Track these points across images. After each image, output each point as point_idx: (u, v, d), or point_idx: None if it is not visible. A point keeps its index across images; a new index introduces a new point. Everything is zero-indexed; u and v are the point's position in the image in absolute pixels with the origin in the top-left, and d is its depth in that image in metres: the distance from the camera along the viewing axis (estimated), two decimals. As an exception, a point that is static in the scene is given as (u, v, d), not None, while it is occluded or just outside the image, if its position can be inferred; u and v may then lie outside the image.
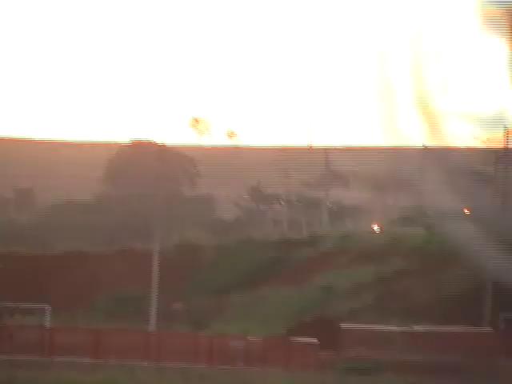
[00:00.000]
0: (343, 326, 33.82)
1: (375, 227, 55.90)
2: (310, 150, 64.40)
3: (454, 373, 29.61)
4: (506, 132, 42.40)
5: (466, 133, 42.41)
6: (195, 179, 59.49)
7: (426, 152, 36.63)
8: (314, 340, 31.77)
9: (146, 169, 45.47)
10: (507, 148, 43.11)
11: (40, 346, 33.29)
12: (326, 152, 56.62)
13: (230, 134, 75.36)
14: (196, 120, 74.12)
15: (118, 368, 28.27)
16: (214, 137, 74.87)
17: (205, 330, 35.35)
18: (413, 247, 42.66)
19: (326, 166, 56.95)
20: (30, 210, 61.05)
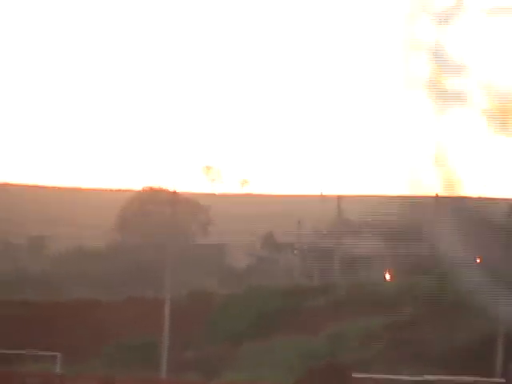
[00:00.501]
0: (354, 375, 34.00)
1: (387, 276, 55.91)
2: (322, 199, 64.91)
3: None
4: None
5: (480, 182, 42.80)
6: (207, 227, 59.74)
7: (440, 201, 36.81)
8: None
9: (158, 216, 45.96)
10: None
11: (51, 392, 34.32)
12: (339, 200, 57.17)
13: (243, 182, 76.17)
14: (208, 168, 74.96)
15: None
16: (226, 184, 75.91)
17: (216, 378, 35.72)
18: (425, 296, 43.13)
19: (339, 215, 57.34)
20: (42, 258, 61.72)
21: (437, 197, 36.68)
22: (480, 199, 43.12)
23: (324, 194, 67.31)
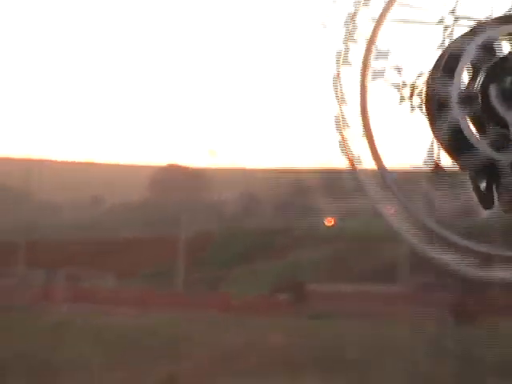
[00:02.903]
0: (307, 287, 45.00)
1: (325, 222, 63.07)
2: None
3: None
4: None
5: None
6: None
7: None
8: (285, 296, 42.86)
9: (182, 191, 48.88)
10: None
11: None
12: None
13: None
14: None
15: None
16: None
17: (215, 291, 44.96)
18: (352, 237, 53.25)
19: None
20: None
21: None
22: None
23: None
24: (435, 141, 0.75)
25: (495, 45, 0.82)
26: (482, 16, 0.86)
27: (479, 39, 0.74)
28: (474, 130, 0.76)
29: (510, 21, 0.83)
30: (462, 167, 0.77)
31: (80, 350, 8.07)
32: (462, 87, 0.78)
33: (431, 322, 7.89)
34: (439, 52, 0.84)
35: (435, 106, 0.77)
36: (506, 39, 0.90)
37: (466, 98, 0.77)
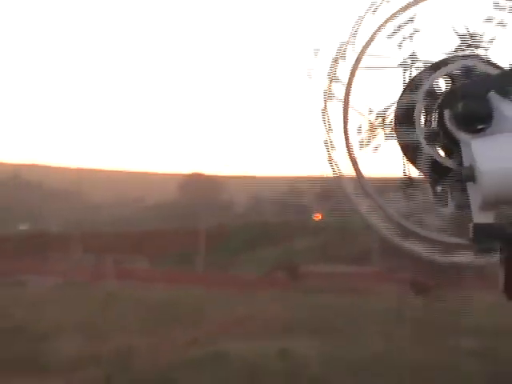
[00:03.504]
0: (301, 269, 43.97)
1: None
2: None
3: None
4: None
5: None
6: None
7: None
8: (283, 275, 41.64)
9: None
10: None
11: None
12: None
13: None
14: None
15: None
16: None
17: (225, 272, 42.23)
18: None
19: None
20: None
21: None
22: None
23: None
24: (404, 159, 0.77)
25: (438, 87, 0.83)
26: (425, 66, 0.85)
27: (427, 85, 0.76)
28: (436, 148, 0.78)
29: (462, 59, 0.84)
30: (424, 176, 0.79)
31: (122, 315, 8.13)
32: (423, 127, 0.80)
33: (397, 295, 7.96)
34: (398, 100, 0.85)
35: (401, 127, 0.79)
36: (445, 79, 0.91)
37: (431, 135, 0.78)
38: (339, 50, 0.96)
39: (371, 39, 0.93)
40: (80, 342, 5.45)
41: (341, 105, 0.96)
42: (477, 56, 0.96)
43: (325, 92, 0.96)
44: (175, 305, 9.23)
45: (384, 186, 0.97)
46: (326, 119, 0.96)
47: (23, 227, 24.04)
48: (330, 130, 0.97)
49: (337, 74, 0.98)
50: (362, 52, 0.93)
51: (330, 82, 0.94)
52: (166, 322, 7.01)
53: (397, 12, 0.94)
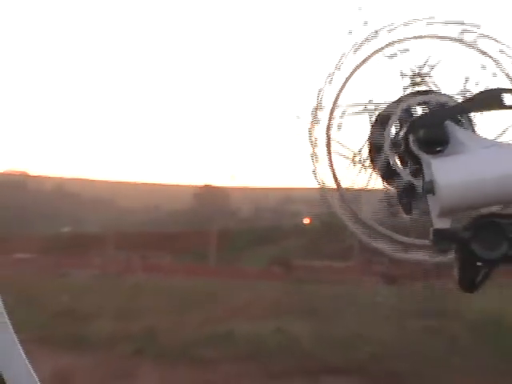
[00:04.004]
0: (295, 263, 43.19)
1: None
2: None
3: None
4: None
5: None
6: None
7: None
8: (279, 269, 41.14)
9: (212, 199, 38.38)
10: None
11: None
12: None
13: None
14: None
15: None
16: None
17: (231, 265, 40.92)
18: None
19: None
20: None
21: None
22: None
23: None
24: (375, 172, 0.77)
25: (412, 109, 0.84)
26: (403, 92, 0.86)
27: (403, 105, 0.77)
28: (399, 163, 0.78)
29: (421, 94, 0.85)
30: (392, 188, 0.79)
31: (149, 300, 8.04)
32: (392, 136, 0.80)
33: (371, 284, 7.92)
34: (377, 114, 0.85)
35: (374, 150, 0.79)
36: (419, 106, 0.92)
37: (395, 143, 0.79)
38: (327, 79, 0.93)
39: (344, 84, 0.93)
40: (115, 323, 5.42)
41: (324, 129, 0.93)
42: (433, 91, 0.93)
43: (311, 113, 0.93)
44: (192, 292, 9.16)
45: (359, 195, 0.97)
46: (313, 138, 0.94)
47: (66, 229, 23.68)
48: (315, 145, 0.95)
49: (321, 102, 0.94)
50: (337, 96, 0.93)
51: (316, 108, 0.92)
52: (185, 306, 6.94)
53: (366, 58, 0.93)
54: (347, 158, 0.96)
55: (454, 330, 4.38)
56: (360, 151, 0.96)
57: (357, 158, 0.98)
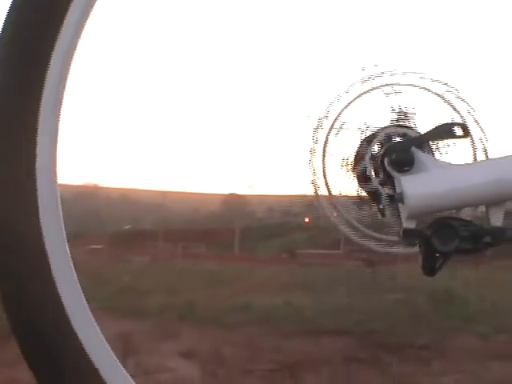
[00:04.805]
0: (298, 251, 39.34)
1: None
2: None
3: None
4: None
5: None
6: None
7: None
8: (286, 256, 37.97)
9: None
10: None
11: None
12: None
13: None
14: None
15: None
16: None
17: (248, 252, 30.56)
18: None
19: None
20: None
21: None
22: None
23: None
24: (354, 175, 0.74)
25: (392, 135, 0.81)
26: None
27: (385, 131, 0.75)
28: (373, 173, 0.75)
29: (398, 126, 0.82)
30: (368, 194, 0.77)
31: (188, 281, 8.06)
32: (373, 152, 0.77)
33: (355, 267, 7.90)
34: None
35: (357, 159, 0.77)
36: (396, 135, 0.89)
37: (373, 157, 0.77)
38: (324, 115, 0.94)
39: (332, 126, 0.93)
40: (164, 296, 5.42)
41: (322, 145, 0.94)
42: (406, 126, 0.95)
43: (312, 133, 0.94)
44: (221, 273, 9.13)
45: (346, 200, 0.97)
46: (312, 153, 0.94)
47: (127, 227, 24.12)
48: (313, 159, 0.95)
49: (322, 122, 0.95)
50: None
51: (317, 128, 0.93)
52: (216, 284, 6.95)
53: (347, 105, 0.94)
54: (339, 168, 0.97)
55: (417, 301, 4.34)
56: (348, 161, 0.97)
57: (345, 168, 0.98)
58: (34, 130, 0.85)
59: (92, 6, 0.86)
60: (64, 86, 0.84)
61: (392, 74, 0.92)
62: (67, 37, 0.85)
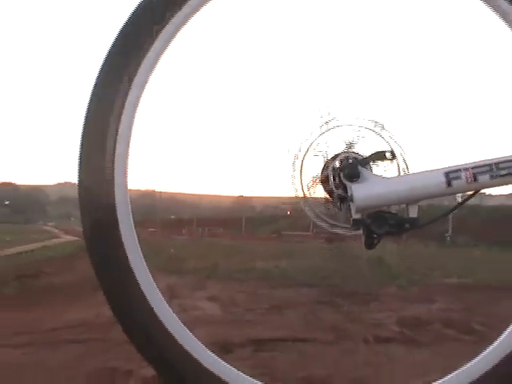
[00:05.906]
0: (283, 232, 36.80)
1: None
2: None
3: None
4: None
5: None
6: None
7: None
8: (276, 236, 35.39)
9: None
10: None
11: None
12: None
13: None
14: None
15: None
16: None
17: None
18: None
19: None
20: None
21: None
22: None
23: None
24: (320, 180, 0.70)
25: (349, 156, 0.74)
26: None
27: (345, 154, 0.72)
28: (332, 179, 0.71)
29: (352, 152, 0.76)
30: (330, 195, 0.75)
31: (212, 251, 8.02)
32: (335, 166, 0.72)
33: (319, 243, 7.86)
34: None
35: (324, 169, 0.72)
36: (351, 157, 0.80)
37: (334, 170, 0.73)
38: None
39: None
40: (196, 261, 5.39)
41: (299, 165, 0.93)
42: (357, 152, 0.95)
43: (293, 158, 0.94)
44: (233, 248, 9.09)
45: (316, 200, 0.96)
46: (294, 169, 0.95)
47: (172, 217, 24.59)
48: (294, 171, 0.95)
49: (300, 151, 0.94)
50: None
51: (296, 155, 0.93)
52: (229, 254, 6.96)
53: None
54: (311, 179, 0.97)
55: (360, 265, 4.32)
56: (317, 175, 0.97)
57: (315, 179, 0.99)
58: (113, 150, 0.85)
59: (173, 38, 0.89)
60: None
61: (339, 119, 0.92)
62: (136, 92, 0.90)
